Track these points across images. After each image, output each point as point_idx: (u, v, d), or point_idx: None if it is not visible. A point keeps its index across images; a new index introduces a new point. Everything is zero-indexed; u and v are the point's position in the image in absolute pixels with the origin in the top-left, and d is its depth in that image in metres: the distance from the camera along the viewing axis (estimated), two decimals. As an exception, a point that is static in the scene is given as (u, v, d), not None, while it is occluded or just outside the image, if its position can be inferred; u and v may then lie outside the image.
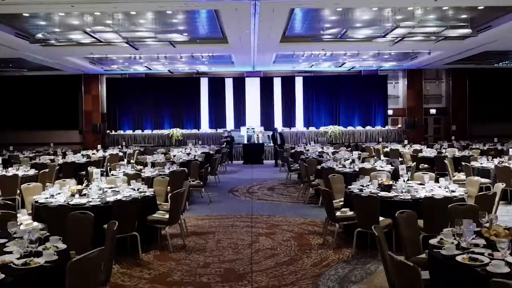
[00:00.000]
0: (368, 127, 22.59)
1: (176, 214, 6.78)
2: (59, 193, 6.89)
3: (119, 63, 20.69)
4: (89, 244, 4.99)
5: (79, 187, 7.14)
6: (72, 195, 6.96)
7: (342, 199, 7.77)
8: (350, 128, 22.57)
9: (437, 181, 7.56)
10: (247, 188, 12.50)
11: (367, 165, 10.09)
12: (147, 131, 22.69)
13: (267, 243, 6.99)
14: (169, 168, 10.36)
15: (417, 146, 16.26)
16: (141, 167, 10.61)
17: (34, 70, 21.84)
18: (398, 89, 24.30)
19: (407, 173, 7.80)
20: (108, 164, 14.30)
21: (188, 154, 14.27)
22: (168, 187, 9.38)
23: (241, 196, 11.33)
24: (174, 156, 13.86)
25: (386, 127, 22.80)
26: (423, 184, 7.45)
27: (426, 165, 12.76)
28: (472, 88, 23.57)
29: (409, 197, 6.45)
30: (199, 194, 10.93)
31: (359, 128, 22.63)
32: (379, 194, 6.60)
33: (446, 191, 6.71)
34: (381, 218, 6.17)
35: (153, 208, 7.01)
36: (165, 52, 17.94)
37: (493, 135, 21.86)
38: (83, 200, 6.52)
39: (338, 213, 6.77)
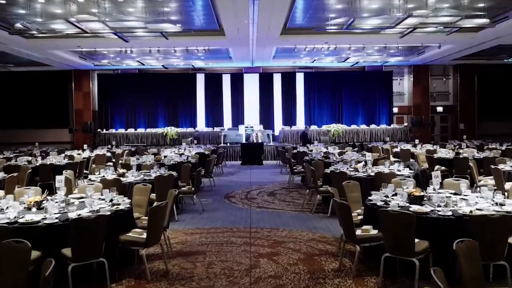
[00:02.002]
0: (372, 126, 21.14)
1: (155, 234, 5.33)
2: (9, 207, 5.42)
3: (110, 58, 19.20)
4: (24, 285, 3.55)
5: (38, 198, 5.69)
6: (28, 208, 5.53)
7: (359, 211, 6.36)
8: (353, 126, 21.11)
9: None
10: (245, 193, 11.05)
11: (383, 168, 8.63)
12: (140, 130, 21.19)
13: (269, 268, 5.54)
14: (156, 172, 8.93)
15: (428, 146, 14.81)
16: (125, 170, 9.15)
17: (21, 65, 20.36)
18: (403, 85, 22.85)
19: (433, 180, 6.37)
20: (94, 166, 12.87)
21: (181, 154, 12.80)
22: (154, 194, 8.00)
23: (239, 203, 9.86)
24: (165, 157, 12.40)
25: (392, 126, 21.33)
26: (458, 194, 6.03)
27: (443, 167, 11.30)
28: (481, 85, 22.12)
29: (450, 213, 5.01)
30: (191, 200, 9.48)
31: (363, 126, 21.16)
32: (410, 209, 5.17)
33: (492, 204, 5.28)
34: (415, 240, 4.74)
35: (128, 225, 5.56)
36: (158, 45, 16.47)
37: (502, 133, 20.54)
38: (38, 217, 5.07)
39: (358, 232, 5.32)
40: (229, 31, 14.71)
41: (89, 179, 8.44)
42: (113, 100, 22.25)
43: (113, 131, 21.09)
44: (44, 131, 21.92)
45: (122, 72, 22.29)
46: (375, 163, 9.74)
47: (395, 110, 22.55)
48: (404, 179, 7.10)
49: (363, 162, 9.03)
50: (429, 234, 4.90)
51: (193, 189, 8.92)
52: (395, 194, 6.00)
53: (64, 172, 8.89)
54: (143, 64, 20.40)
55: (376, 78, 22.32)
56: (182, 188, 8.97)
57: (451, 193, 6.09)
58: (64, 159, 12.26)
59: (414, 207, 5.26)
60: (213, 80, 22.38)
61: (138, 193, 6.77)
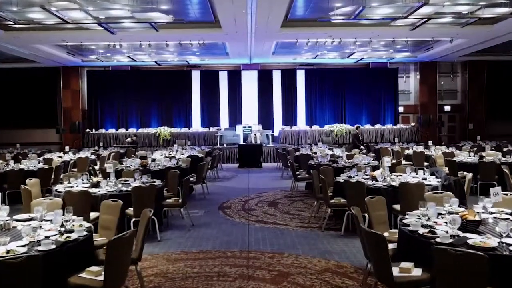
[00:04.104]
0: (377, 126, 19.64)
1: (116, 275, 3.82)
2: None
3: (99, 53, 17.67)
4: None
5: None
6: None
7: (387, 234, 4.88)
8: (357, 126, 19.62)
9: None
10: (242, 202, 9.52)
11: (406, 177, 7.13)
12: (132, 130, 19.65)
13: (273, 318, 4.05)
14: (137, 180, 7.44)
15: (443, 148, 13.35)
16: (101, 178, 7.65)
17: (5, 62, 18.86)
18: (409, 83, 21.35)
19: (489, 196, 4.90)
20: (74, 171, 11.40)
21: (171, 158, 11.28)
22: (131, 209, 6.51)
23: (235, 215, 8.35)
24: (154, 160, 10.91)
25: (398, 126, 19.83)
26: (517, 214, 4.56)
27: (465, 173, 9.81)
28: (491, 83, 20.64)
29: (527, 248, 3.51)
30: (179, 213, 7.96)
31: (367, 126, 19.66)
32: (468, 241, 3.68)
33: None
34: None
35: (83, 261, 4.05)
36: (148, 39, 14.95)
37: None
38: (-48, 253, 3.56)
39: (395, 271, 3.82)
40: (225, 22, 13.23)
41: (56, 190, 6.94)
42: (103, 98, 20.70)
43: (103, 131, 19.56)
44: (32, 131, 20.40)
45: (113, 69, 20.76)
46: (393, 168, 8.26)
47: (401, 109, 21.07)
48: (440, 192, 5.61)
49: (381, 169, 7.52)
50: (499, 279, 3.41)
51: (180, 201, 7.40)
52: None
53: (27, 180, 7.39)
54: (135, 60, 18.86)
55: (381, 76, 20.83)
56: (168, 200, 7.46)
57: (508, 214, 4.62)
58: (39, 163, 10.71)
59: (473, 238, 3.76)
60: (209, 78, 20.85)
61: (105, 211, 5.27)
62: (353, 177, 7.32)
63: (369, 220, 5.20)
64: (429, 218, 4.38)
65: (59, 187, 7.06)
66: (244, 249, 6.15)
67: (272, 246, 6.28)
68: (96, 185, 7.13)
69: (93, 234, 5.08)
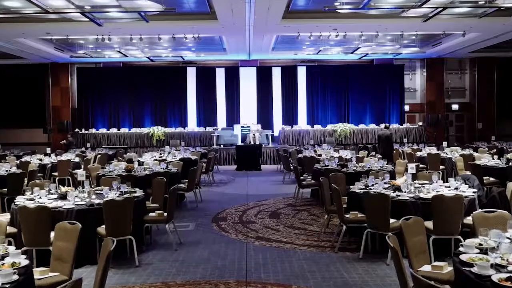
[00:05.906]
0: (383, 125, 18.35)
1: None
2: None
3: (88, 48, 16.38)
4: None
5: None
6: None
7: (428, 268, 3.65)
8: (362, 126, 18.36)
9: None
10: (240, 213, 8.23)
11: (437, 187, 5.85)
12: (124, 130, 18.36)
13: None
14: (113, 189, 6.17)
15: (459, 150, 12.09)
16: (70, 188, 6.36)
17: (-11, 58, 17.57)
18: (415, 81, 20.09)
19: None
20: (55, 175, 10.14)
21: (161, 161, 9.99)
22: (104, 227, 5.26)
23: (231, 230, 7.06)
24: (142, 164, 9.64)
25: (404, 125, 18.57)
26: None
27: (491, 178, 8.60)
28: (501, 80, 19.41)
29: None
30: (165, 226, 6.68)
31: (372, 126, 18.41)
32: None
33: None
34: None
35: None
36: (139, 32, 13.66)
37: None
38: None
39: None
40: (221, 13, 11.97)
41: (14, 203, 5.65)
42: (94, 96, 19.39)
43: (94, 131, 18.26)
44: (18, 131, 19.11)
45: (104, 65, 19.46)
46: (416, 176, 6.99)
47: (406, 108, 19.82)
48: (491, 210, 4.34)
49: (404, 177, 6.25)
50: None
51: (165, 215, 6.12)
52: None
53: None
54: (127, 56, 17.56)
55: (386, 73, 19.54)
56: (151, 214, 6.17)
57: None
58: (11, 168, 9.40)
59: None
60: (206, 75, 19.54)
61: (60, 237, 4.00)
62: (372, 186, 6.06)
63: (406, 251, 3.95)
64: (494, 251, 3.10)
65: (20, 199, 5.79)
66: (242, 278, 4.88)
67: (275, 274, 5.00)
68: (64, 196, 5.87)
69: (44, 268, 3.85)
